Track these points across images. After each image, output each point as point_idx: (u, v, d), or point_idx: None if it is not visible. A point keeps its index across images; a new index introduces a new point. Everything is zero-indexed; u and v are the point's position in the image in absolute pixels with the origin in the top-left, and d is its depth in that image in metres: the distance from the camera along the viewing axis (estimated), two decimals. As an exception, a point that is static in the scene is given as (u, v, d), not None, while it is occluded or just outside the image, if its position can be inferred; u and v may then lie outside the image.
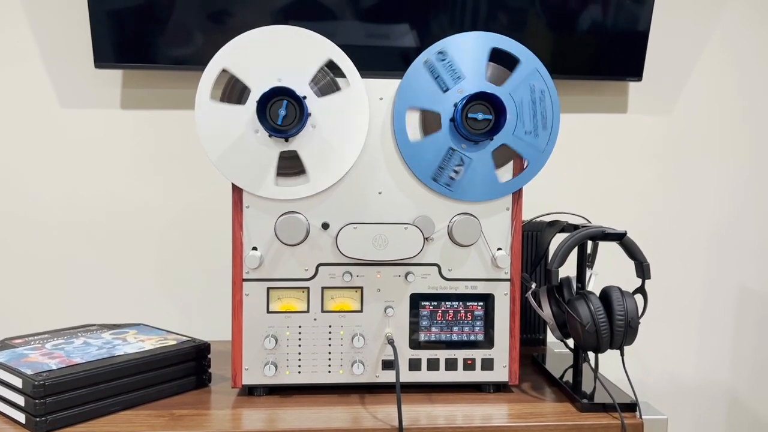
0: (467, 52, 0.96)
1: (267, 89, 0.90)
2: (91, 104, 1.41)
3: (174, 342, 1.03)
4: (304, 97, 0.92)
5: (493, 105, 0.94)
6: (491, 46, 0.96)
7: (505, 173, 0.99)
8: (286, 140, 0.93)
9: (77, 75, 1.39)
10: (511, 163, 1.00)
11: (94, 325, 1.14)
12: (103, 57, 1.31)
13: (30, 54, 1.38)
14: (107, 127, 1.41)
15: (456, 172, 0.97)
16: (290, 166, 0.95)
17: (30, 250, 1.41)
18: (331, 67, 0.95)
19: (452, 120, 0.95)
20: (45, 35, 1.38)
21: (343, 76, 0.95)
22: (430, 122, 0.98)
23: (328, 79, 0.96)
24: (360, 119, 0.95)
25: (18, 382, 0.86)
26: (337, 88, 0.95)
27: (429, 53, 0.95)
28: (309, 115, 0.93)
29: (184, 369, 1.01)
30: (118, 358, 0.94)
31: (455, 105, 0.95)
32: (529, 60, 0.96)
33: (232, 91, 0.96)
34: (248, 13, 1.31)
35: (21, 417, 0.86)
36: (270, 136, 0.93)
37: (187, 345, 1.02)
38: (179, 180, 1.42)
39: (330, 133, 0.95)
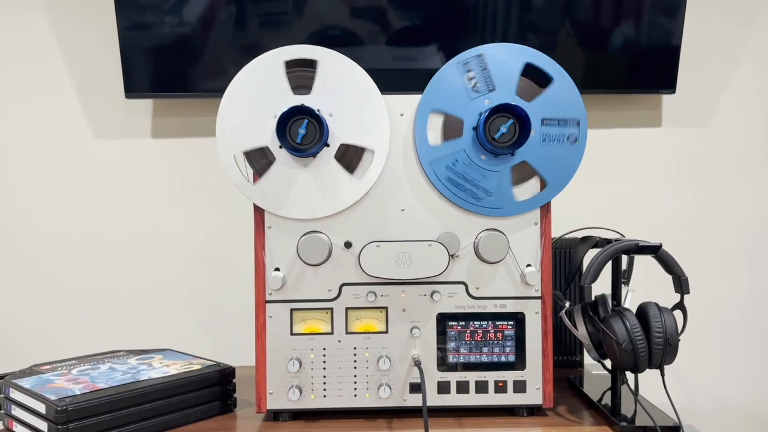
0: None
1: (288, 108, 0.90)
2: (122, 134, 1.43)
3: (199, 367, 1.02)
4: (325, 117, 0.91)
5: (518, 117, 0.91)
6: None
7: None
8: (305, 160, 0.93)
9: (109, 105, 1.42)
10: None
11: (121, 350, 1.13)
12: (134, 87, 1.34)
13: (63, 86, 1.42)
14: (138, 155, 1.43)
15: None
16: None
17: (62, 277, 1.43)
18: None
19: (475, 129, 0.93)
20: (77, 67, 1.42)
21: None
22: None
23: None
24: (381, 140, 0.94)
25: (41, 408, 0.86)
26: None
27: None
28: (328, 136, 0.92)
29: (209, 394, 0.99)
30: (141, 383, 0.93)
31: (480, 114, 0.92)
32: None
33: None
34: (279, 44, 1.32)
35: (44, 443, 0.86)
36: (291, 154, 0.92)
37: (212, 369, 1.01)
38: (209, 207, 1.43)
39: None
